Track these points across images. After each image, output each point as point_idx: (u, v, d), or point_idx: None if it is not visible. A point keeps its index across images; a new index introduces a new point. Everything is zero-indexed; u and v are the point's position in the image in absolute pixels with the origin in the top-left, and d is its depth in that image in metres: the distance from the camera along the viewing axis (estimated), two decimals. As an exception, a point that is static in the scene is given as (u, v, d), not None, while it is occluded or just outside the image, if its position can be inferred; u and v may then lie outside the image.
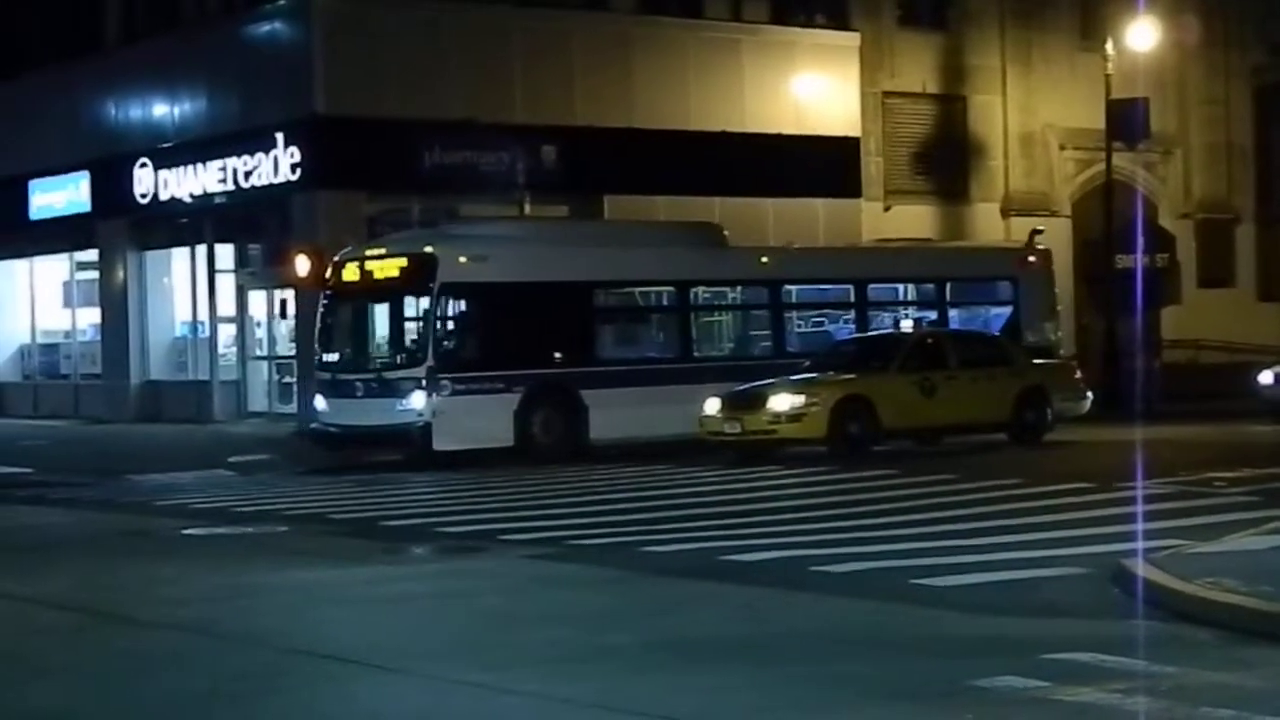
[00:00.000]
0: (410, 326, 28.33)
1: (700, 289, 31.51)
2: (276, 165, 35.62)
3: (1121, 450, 24.55)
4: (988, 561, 15.02)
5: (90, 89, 42.25)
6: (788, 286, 32.24)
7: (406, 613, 13.62)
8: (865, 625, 12.41)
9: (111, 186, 40.38)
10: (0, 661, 11.96)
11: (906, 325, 30.66)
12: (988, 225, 43.54)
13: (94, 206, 41.76)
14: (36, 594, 14.85)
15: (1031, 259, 34.34)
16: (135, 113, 40.87)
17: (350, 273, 28.48)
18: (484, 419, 26.96)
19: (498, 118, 36.06)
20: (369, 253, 28.65)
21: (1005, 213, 44.11)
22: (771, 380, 27.22)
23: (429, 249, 27.77)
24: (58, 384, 44.41)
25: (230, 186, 36.88)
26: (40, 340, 45.72)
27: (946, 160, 43.80)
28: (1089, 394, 29.98)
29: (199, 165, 37.77)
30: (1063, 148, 44.95)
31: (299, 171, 35.19)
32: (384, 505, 21.62)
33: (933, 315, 33.37)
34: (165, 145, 39.03)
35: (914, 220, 42.02)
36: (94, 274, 42.88)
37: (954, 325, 33.34)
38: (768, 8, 41.28)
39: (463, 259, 27.55)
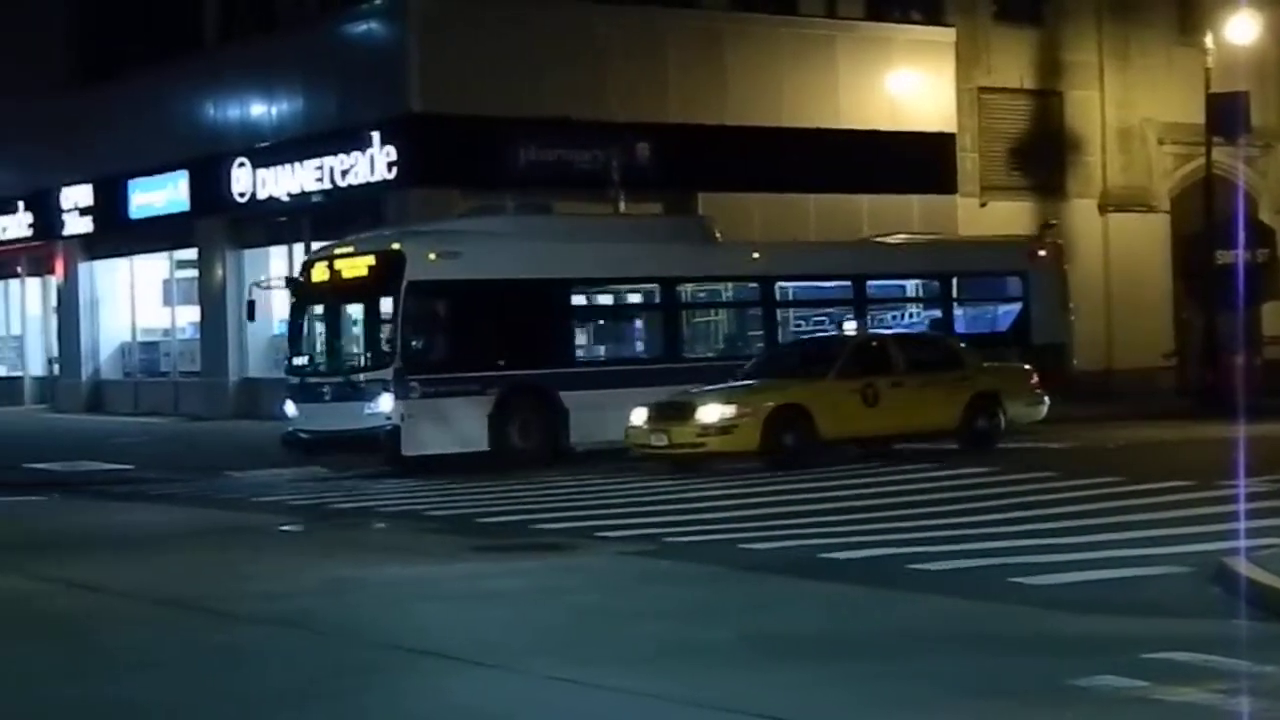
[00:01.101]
0: (378, 327, 26.99)
1: (688, 286, 30.19)
2: (372, 164, 35.82)
3: (1222, 448, 24.23)
4: (1086, 560, 14.87)
5: (189, 89, 42.66)
6: (782, 283, 30.90)
7: (502, 609, 13.64)
8: (961, 623, 12.33)
9: (210, 185, 40.74)
10: (99, 655, 12.08)
11: (850, 327, 28.31)
12: (1085, 221, 43.23)
13: (193, 205, 42.15)
14: (135, 588, 15.00)
15: (1042, 253, 33.29)
16: (233, 112, 41.23)
17: (319, 272, 27.50)
18: (456, 422, 25.92)
19: (591, 115, 36.14)
20: (338, 251, 27.68)
21: (1103, 208, 43.75)
22: (701, 388, 25.61)
23: (396, 246, 26.76)
24: (157, 381, 44.88)
25: (327, 185, 37.12)
26: (140, 338, 46.23)
27: (1043, 156, 43.44)
28: (1045, 399, 28.00)
29: (296, 164, 38.04)
30: (1161, 142, 44.47)
31: (394, 170, 35.36)
32: (480, 502, 21.68)
33: (937, 313, 32.35)
34: (263, 144, 39.35)
35: (1010, 216, 41.69)
36: (193, 272, 43.33)
37: (960, 323, 32.28)
38: (863, 4, 41.12)
39: (432, 256, 26.45)
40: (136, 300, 46.18)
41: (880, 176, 39.30)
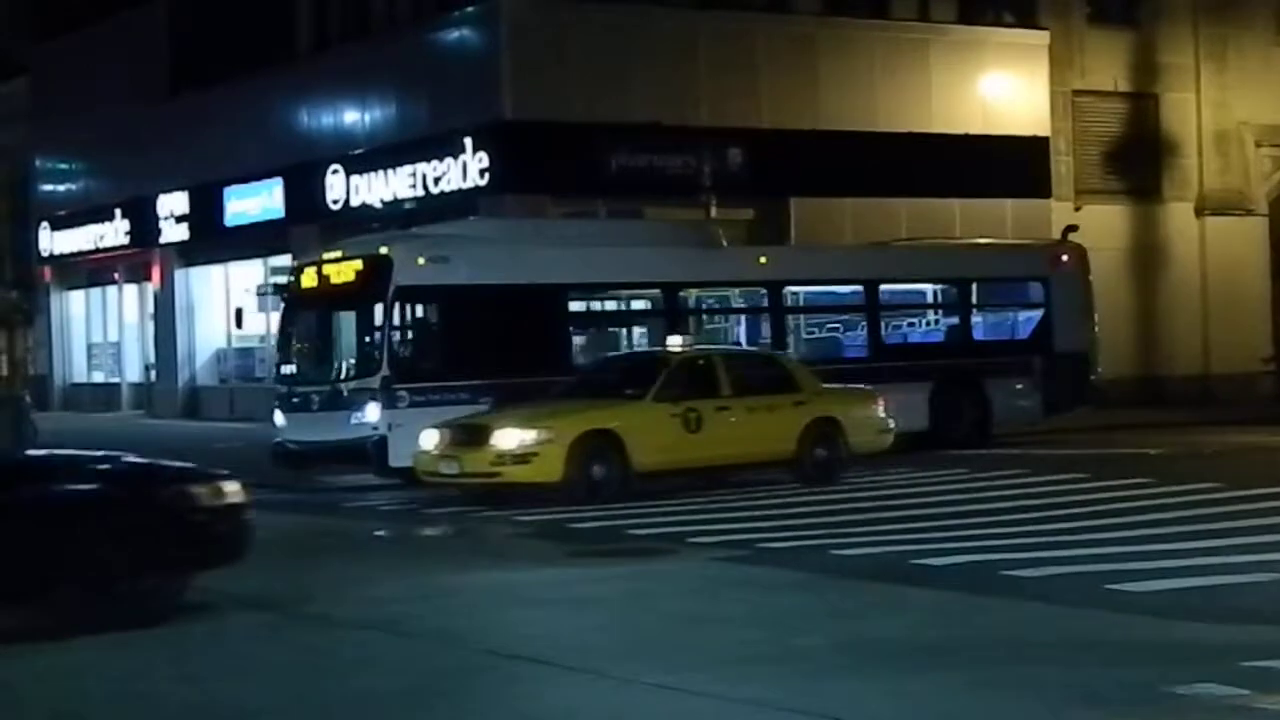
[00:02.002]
0: (366, 334, 25.77)
1: (690, 291, 29.17)
2: (465, 170, 35.97)
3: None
4: (1184, 567, 14.74)
5: (283, 97, 43.04)
6: (790, 288, 29.98)
7: (594, 614, 13.66)
8: (1057, 630, 12.23)
9: (304, 192, 41.05)
10: (202, 659, 12.19)
11: (674, 341, 25.01)
12: (1181, 225, 42.87)
13: (287, 212, 42.49)
14: (232, 593, 15.10)
15: (1064, 258, 32.10)
16: (327, 120, 41.55)
17: (308, 279, 26.70)
18: None
19: (683, 120, 36.16)
20: (326, 257, 26.78)
21: (1199, 211, 43.31)
22: (499, 410, 23.50)
23: (384, 250, 25.76)
24: (252, 387, 45.17)
25: (419, 192, 37.31)
26: (235, 344, 46.61)
27: (1138, 159, 43.06)
28: (891, 425, 25.18)
29: (389, 171, 38.27)
30: (1259, 145, 43.98)
31: (487, 176, 35.50)
32: (571, 508, 21.70)
33: (955, 320, 31.48)
34: (356, 151, 39.62)
35: (1105, 220, 41.36)
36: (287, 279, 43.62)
37: (979, 330, 31.63)
38: (955, 7, 40.93)
39: (421, 260, 25.49)
40: (232, 307, 46.53)
41: (973, 180, 39.09)
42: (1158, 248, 42.74)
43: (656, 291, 28.78)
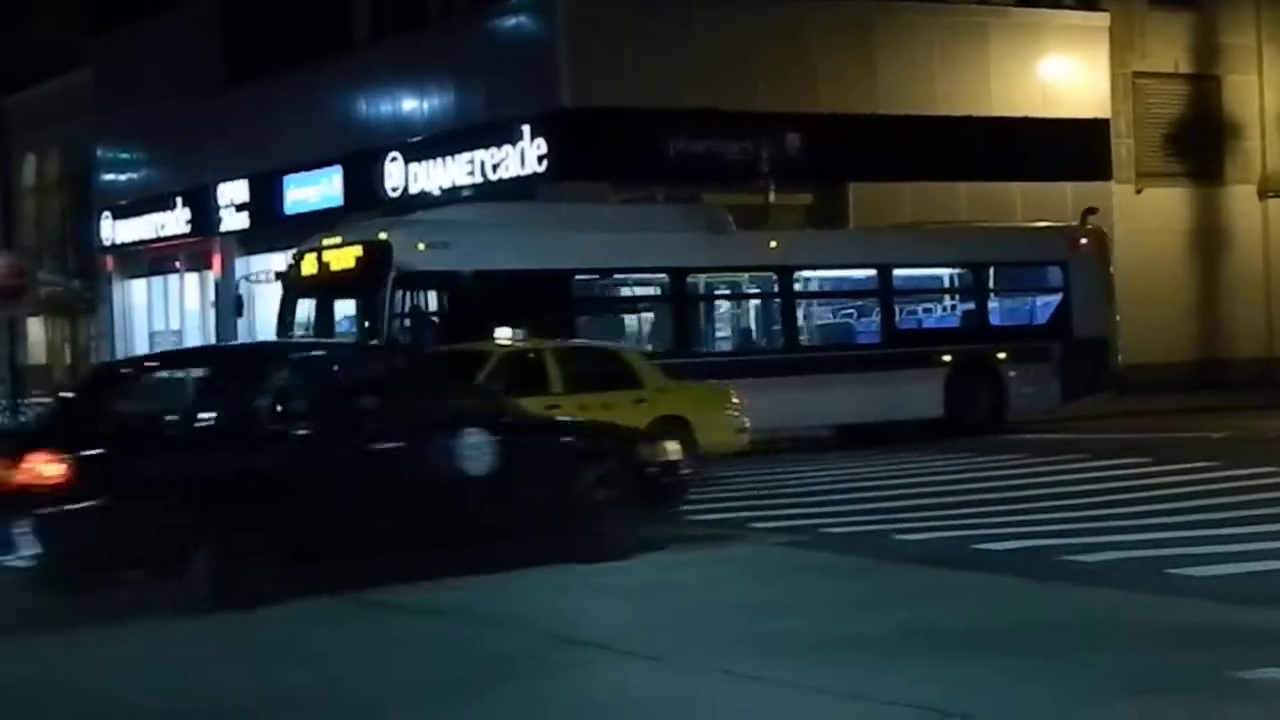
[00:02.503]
0: (366, 322, 25.33)
1: (699, 277, 28.47)
2: (523, 157, 36.03)
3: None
4: (1246, 551, 14.69)
5: (342, 86, 43.18)
6: (801, 273, 29.33)
7: (659, 599, 13.70)
8: (1120, 616, 12.21)
9: (363, 181, 41.20)
10: (269, 645, 12.31)
11: (503, 335, 23.78)
12: (1244, 208, 42.60)
13: (346, 200, 42.61)
14: (298, 579, 15.21)
15: (1083, 241, 31.47)
16: (385, 108, 41.69)
17: (308, 265, 26.27)
18: None
19: (741, 106, 36.11)
20: (326, 243, 26.35)
21: (1262, 194, 42.99)
22: None
23: (383, 235, 25.38)
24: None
25: (478, 179, 37.39)
26: (296, 333, 46.71)
27: (1200, 141, 42.77)
28: (746, 424, 23.55)
29: (447, 159, 38.36)
30: (1322, 127, 43.68)
31: (544, 163, 35.55)
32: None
33: (971, 305, 30.94)
34: (414, 140, 39.74)
35: (1167, 203, 41.22)
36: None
37: (995, 315, 31.01)
38: (1014, -11, 40.79)
39: (421, 246, 25.07)
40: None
41: (1033, 164, 38.91)
42: (1220, 231, 42.44)
43: (664, 276, 28.18)
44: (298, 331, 26.41)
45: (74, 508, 12.85)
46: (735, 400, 23.58)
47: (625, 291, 29.45)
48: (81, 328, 60.00)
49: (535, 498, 15.34)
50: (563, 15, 36.11)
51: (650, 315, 29.06)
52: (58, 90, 58.90)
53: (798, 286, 29.41)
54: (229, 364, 16.27)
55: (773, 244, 29.29)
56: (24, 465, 13.00)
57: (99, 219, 54.80)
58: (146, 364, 20.05)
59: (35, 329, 60.80)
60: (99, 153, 55.87)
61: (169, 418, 14.99)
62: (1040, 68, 39.66)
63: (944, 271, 31.73)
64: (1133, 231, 39.36)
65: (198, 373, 16.81)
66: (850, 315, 30.72)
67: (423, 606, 13.55)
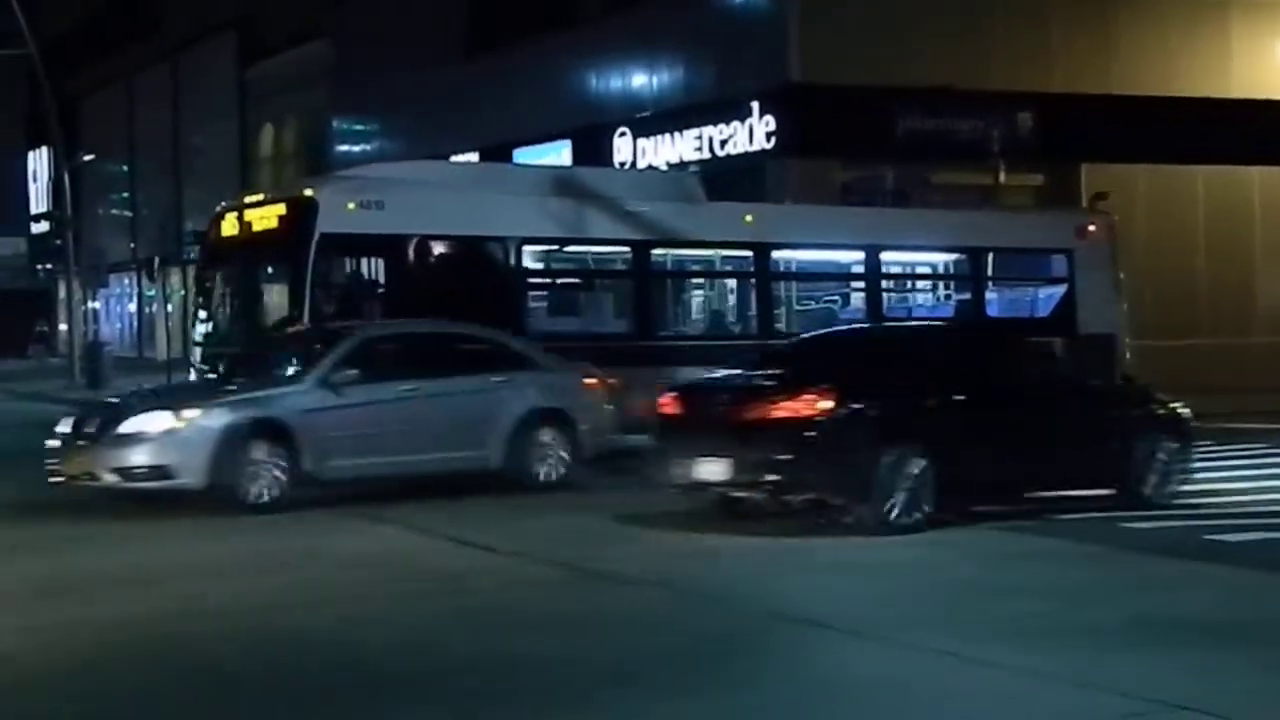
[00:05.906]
0: (287, 288, 22.48)
1: (666, 251, 25.72)
2: (751, 133, 35.95)
3: None
4: None
5: (570, 59, 43.46)
6: (779, 252, 26.49)
7: (876, 580, 13.57)
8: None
9: (591, 155, 41.36)
10: (488, 612, 12.43)
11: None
12: None
13: (574, 174, 42.87)
14: (521, 550, 15.37)
15: (1091, 228, 28.80)
16: (615, 83, 41.87)
17: (229, 226, 23.47)
18: None
19: (973, 84, 35.66)
20: (247, 200, 23.75)
21: None
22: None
23: (308, 192, 22.76)
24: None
25: (706, 155, 37.38)
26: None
27: None
28: (640, 421, 19.26)
29: (675, 134, 38.39)
30: None
31: (773, 140, 35.44)
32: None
33: (966, 294, 28.15)
34: (643, 114, 39.85)
35: None
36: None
37: (993, 306, 28.10)
38: (1258, -32, 39.76)
39: (351, 205, 22.29)
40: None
41: (1275, 148, 37.92)
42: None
43: (625, 249, 25.27)
44: (214, 300, 24.17)
45: (824, 439, 15.52)
46: (623, 390, 21.14)
47: (581, 264, 26.01)
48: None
49: (1109, 452, 17.60)
50: (794, -10, 35.94)
51: (609, 291, 26.38)
52: (295, 61, 60.09)
53: (774, 268, 26.65)
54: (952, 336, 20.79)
55: (748, 218, 26.46)
56: (803, 398, 15.63)
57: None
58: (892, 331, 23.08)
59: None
60: (335, 123, 56.92)
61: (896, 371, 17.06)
62: (1284, 48, 38.67)
63: (937, 256, 29.22)
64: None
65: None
66: (833, 301, 28.03)
67: (638, 579, 13.57)
